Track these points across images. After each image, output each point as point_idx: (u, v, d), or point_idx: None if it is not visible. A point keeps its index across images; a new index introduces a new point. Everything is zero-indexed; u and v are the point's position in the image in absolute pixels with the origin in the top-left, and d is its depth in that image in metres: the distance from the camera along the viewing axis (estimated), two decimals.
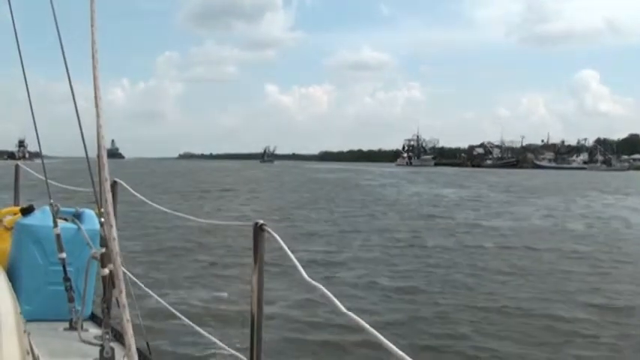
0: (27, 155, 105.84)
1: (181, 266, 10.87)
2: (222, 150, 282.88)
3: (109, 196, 1.42)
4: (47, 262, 3.45)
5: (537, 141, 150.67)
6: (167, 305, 3.72)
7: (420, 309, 8.25)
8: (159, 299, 3.72)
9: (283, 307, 7.86)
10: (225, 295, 8.66)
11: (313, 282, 2.01)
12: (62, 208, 3.53)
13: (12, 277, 3.22)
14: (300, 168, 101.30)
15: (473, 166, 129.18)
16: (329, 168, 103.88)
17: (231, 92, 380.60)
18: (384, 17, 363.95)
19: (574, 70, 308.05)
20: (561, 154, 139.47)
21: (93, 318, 3.57)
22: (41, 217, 3.50)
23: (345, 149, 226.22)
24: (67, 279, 3.26)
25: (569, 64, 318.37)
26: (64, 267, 3.27)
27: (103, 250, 2.47)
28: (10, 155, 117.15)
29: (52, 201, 3.36)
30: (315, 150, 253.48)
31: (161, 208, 3.84)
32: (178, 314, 3.64)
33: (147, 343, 3.35)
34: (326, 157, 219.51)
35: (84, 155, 2.12)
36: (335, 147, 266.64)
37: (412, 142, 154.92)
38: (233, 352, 2.85)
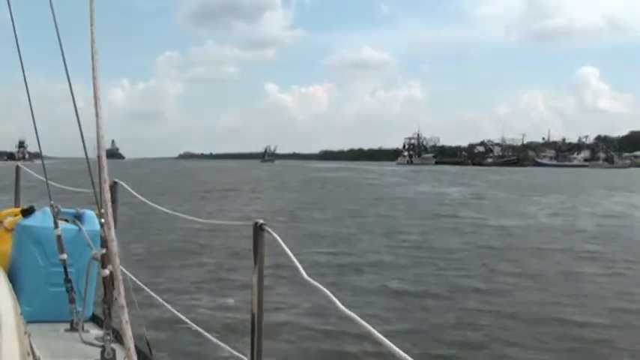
0: (27, 156, 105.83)
1: (182, 267, 10.87)
2: (223, 150, 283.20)
3: (108, 196, 1.42)
4: (48, 263, 3.45)
5: (538, 139, 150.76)
6: (168, 306, 3.72)
7: (431, 314, 8.00)
8: (160, 300, 3.72)
9: (284, 307, 7.86)
10: (225, 294, 8.67)
11: (313, 281, 2.01)
12: (63, 209, 3.53)
13: (13, 278, 3.23)
14: (301, 167, 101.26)
15: (474, 164, 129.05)
16: (330, 167, 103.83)
17: (231, 92, 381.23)
18: (384, 16, 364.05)
19: (574, 67, 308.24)
20: (562, 151, 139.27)
21: (94, 319, 3.57)
22: (42, 219, 3.51)
23: (346, 148, 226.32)
24: (67, 280, 3.26)
25: (569, 61, 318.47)
26: (64, 268, 3.27)
27: (104, 250, 2.47)
28: (10, 156, 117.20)
29: (52, 202, 3.36)
30: (315, 149, 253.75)
31: (161, 208, 3.84)
32: (179, 315, 3.65)
33: (148, 344, 3.35)
34: (326, 156, 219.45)
35: (82, 156, 2.12)
36: (335, 146, 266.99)
37: (413, 141, 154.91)
38: (234, 352, 2.85)
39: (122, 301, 1.39)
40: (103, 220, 1.84)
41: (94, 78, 1.46)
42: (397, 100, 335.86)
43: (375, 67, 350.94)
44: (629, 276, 10.81)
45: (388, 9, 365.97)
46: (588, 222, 19.79)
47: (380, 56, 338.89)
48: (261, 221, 2.37)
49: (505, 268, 11.29)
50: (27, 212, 3.61)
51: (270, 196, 30.98)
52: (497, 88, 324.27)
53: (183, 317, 3.59)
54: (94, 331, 3.30)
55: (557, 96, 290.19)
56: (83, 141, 2.09)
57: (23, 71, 2.80)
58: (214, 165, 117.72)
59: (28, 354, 1.64)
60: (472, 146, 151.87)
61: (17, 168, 5.47)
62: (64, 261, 3.28)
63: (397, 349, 1.58)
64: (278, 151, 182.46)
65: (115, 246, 1.43)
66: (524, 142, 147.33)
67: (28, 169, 5.43)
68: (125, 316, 1.37)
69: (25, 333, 1.76)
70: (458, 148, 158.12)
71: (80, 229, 3.47)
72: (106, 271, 2.46)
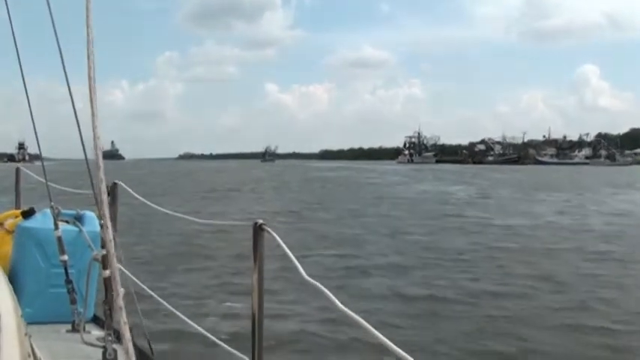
0: (27, 158, 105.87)
1: (184, 268, 10.87)
2: (223, 150, 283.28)
3: (105, 197, 1.42)
4: (49, 265, 3.46)
5: (538, 137, 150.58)
6: (169, 307, 3.72)
7: (445, 321, 7.66)
8: (161, 300, 3.73)
9: (284, 306, 7.86)
10: (226, 295, 8.67)
11: (313, 281, 2.01)
12: (63, 211, 3.53)
13: (14, 280, 3.23)
14: (301, 167, 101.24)
15: (474, 162, 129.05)
16: (330, 166, 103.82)
17: (231, 92, 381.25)
18: (384, 15, 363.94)
19: (574, 65, 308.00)
20: (563, 149, 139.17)
21: (95, 320, 3.58)
22: (42, 220, 3.51)
23: (346, 147, 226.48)
24: (68, 281, 3.27)
25: (569, 60, 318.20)
26: (65, 269, 3.28)
27: (104, 251, 2.47)
28: (10, 158, 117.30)
29: (52, 203, 3.37)
30: (315, 148, 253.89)
31: (161, 209, 3.84)
32: (181, 315, 3.65)
33: (149, 344, 3.35)
34: (326, 155, 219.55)
35: (80, 157, 2.12)
36: (335, 145, 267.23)
37: (413, 139, 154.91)
38: (235, 352, 2.85)
39: (120, 302, 1.39)
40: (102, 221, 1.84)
41: (90, 79, 1.47)
42: (397, 99, 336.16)
43: (375, 66, 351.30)
44: None
45: (388, 8, 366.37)
46: (597, 220, 19.39)
47: (380, 55, 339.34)
48: (260, 221, 2.37)
49: (517, 270, 10.90)
50: (27, 214, 3.62)
51: (272, 197, 30.78)
52: (497, 86, 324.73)
53: (184, 318, 3.59)
54: (96, 332, 3.31)
55: (557, 94, 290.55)
56: (82, 142, 2.09)
57: (22, 72, 2.80)
58: (215, 165, 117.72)
59: (29, 355, 1.64)
60: (473, 145, 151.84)
61: (17, 170, 5.48)
62: (64, 262, 3.28)
63: (397, 349, 1.58)
64: (278, 151, 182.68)
65: (112, 247, 1.43)
66: (525, 140, 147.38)
67: (28, 171, 5.44)
68: (123, 317, 1.37)
69: (26, 334, 1.76)
70: (458, 147, 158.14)
71: (81, 231, 3.48)
72: (107, 272, 2.45)
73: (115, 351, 2.77)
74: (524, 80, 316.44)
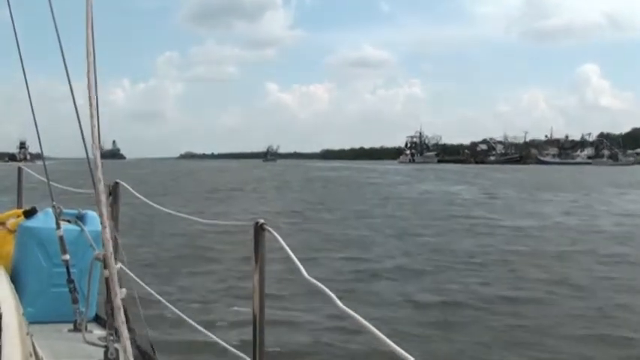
0: (28, 157, 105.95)
1: (186, 268, 10.88)
2: (224, 149, 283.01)
3: (103, 197, 1.42)
4: (51, 264, 3.47)
5: (540, 136, 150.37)
6: (171, 306, 3.72)
7: (461, 330, 7.28)
8: (163, 300, 3.73)
9: (285, 306, 7.86)
10: (228, 294, 8.68)
11: (313, 280, 2.01)
12: (65, 210, 3.54)
13: (16, 279, 3.24)
14: (303, 167, 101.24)
15: (476, 162, 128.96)
16: (332, 166, 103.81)
17: (231, 92, 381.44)
18: (384, 14, 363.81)
19: (575, 64, 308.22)
20: (565, 149, 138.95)
21: (97, 319, 3.58)
22: (44, 220, 3.52)
23: (347, 147, 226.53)
24: (70, 280, 3.27)
25: (569, 59, 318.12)
26: (67, 268, 3.28)
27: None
28: (12, 157, 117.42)
29: (54, 203, 3.37)
30: (316, 148, 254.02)
31: (162, 208, 3.84)
32: (182, 315, 3.65)
33: (151, 344, 3.35)
34: (328, 155, 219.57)
35: (80, 156, 2.12)
36: (336, 145, 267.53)
37: (415, 139, 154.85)
38: (236, 351, 2.85)
39: (118, 301, 1.39)
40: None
41: (89, 79, 1.47)
42: (398, 99, 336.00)
43: (376, 65, 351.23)
44: None
45: (388, 8, 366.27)
46: (606, 221, 19.07)
47: (380, 55, 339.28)
48: (261, 221, 2.37)
49: (531, 274, 10.53)
50: (29, 213, 3.63)
51: (276, 197, 30.57)
52: (498, 86, 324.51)
53: (186, 317, 3.59)
54: (98, 332, 3.31)
55: (558, 94, 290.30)
56: (84, 141, 2.09)
57: (24, 71, 2.81)
58: (216, 165, 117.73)
59: (31, 355, 1.64)
60: (474, 144, 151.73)
61: (19, 169, 5.49)
62: (66, 261, 3.29)
63: (399, 349, 1.58)
64: (279, 151, 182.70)
65: (110, 246, 1.43)
66: (527, 139, 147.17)
67: (30, 171, 5.44)
68: (121, 317, 1.37)
69: (28, 334, 1.76)
70: (460, 147, 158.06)
71: (82, 230, 3.48)
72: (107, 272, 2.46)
73: (116, 350, 2.77)
74: (524, 80, 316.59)
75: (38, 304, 3.34)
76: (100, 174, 1.45)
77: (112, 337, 2.81)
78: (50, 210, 3.43)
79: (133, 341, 2.59)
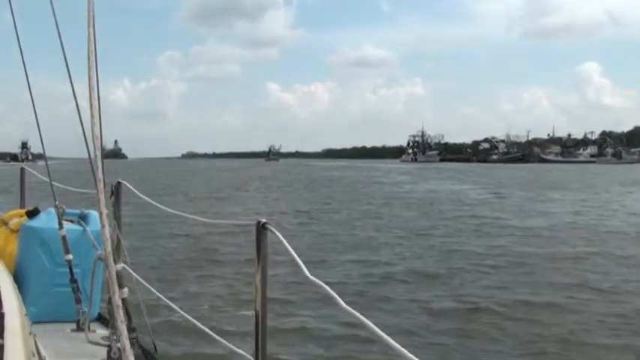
0: (30, 157, 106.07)
1: (189, 268, 10.89)
2: (225, 149, 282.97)
3: (103, 196, 1.42)
4: (54, 264, 3.48)
5: (542, 135, 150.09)
6: (173, 305, 3.73)
7: (481, 339, 6.87)
8: (165, 299, 3.73)
9: (288, 305, 7.86)
10: (231, 294, 8.68)
11: (316, 280, 2.01)
12: (67, 210, 3.55)
13: (19, 279, 3.25)
14: (305, 166, 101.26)
15: (479, 161, 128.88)
16: (334, 165, 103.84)
17: (232, 91, 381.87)
18: (385, 14, 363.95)
19: (576, 62, 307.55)
20: (568, 147, 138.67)
21: (100, 319, 3.59)
22: (47, 220, 3.53)
23: (348, 146, 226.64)
24: (73, 280, 3.28)
25: (571, 57, 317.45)
26: (70, 268, 3.29)
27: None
28: (13, 157, 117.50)
29: (57, 203, 3.38)
30: (318, 147, 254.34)
31: (165, 208, 3.84)
32: (184, 314, 3.66)
33: (153, 343, 3.36)
34: (329, 154, 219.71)
35: (81, 156, 2.12)
36: (338, 144, 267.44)
37: (417, 138, 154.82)
38: (238, 350, 2.85)
39: (117, 300, 1.39)
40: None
41: (90, 78, 1.47)
42: (399, 98, 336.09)
43: (377, 65, 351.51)
44: None
45: (389, 7, 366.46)
46: (619, 221, 18.69)
47: (381, 54, 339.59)
48: (263, 220, 2.37)
49: (548, 277, 10.06)
50: (32, 213, 3.63)
51: (281, 196, 30.34)
52: (499, 84, 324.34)
53: (188, 316, 3.60)
54: (101, 331, 3.32)
55: (559, 92, 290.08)
56: (86, 141, 2.09)
57: (26, 72, 2.81)
58: (218, 164, 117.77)
59: (34, 354, 1.65)
60: (476, 143, 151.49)
61: (22, 170, 5.50)
62: (69, 261, 3.30)
63: (402, 349, 1.57)
64: (281, 150, 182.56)
65: (109, 245, 1.43)
66: (529, 138, 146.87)
67: (32, 171, 5.46)
68: (120, 316, 1.37)
69: (31, 333, 1.77)
70: (462, 145, 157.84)
71: (85, 230, 3.48)
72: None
73: (119, 350, 2.77)
74: (526, 78, 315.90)
75: (41, 304, 3.35)
76: (100, 174, 1.45)
77: (114, 337, 2.81)
78: (53, 210, 3.44)
79: (136, 340, 2.59)
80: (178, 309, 3.71)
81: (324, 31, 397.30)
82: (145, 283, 3.75)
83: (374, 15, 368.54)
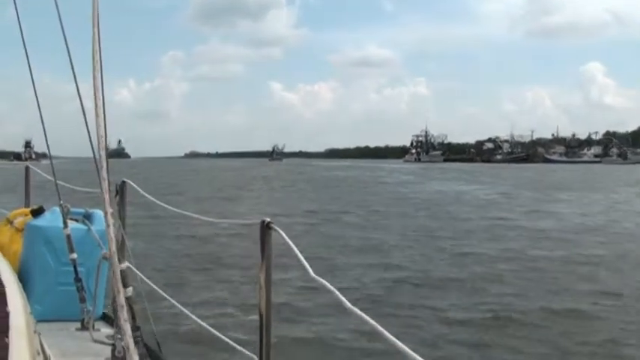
0: (33, 156, 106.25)
1: (195, 267, 10.91)
2: (228, 148, 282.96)
3: (107, 196, 1.43)
4: (58, 263, 3.48)
5: (545, 135, 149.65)
6: (178, 305, 3.73)
7: (503, 348, 6.55)
8: (169, 299, 3.73)
9: (292, 305, 7.86)
10: (234, 293, 8.69)
11: (319, 278, 2.01)
12: (72, 209, 3.55)
13: (24, 277, 3.26)
14: (309, 166, 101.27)
15: (483, 161, 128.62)
16: (338, 165, 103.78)
17: (236, 91, 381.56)
18: (388, 13, 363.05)
19: (579, 62, 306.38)
20: (572, 147, 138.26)
21: (104, 318, 3.59)
22: (51, 218, 3.54)
23: (352, 146, 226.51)
24: (78, 279, 3.29)
25: (574, 57, 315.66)
26: (75, 267, 3.30)
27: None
28: (17, 156, 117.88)
29: (62, 202, 3.38)
30: (321, 147, 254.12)
31: (170, 207, 3.84)
32: (189, 313, 3.66)
33: (157, 341, 3.36)
34: (333, 154, 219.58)
35: (85, 155, 2.12)
36: (341, 144, 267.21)
37: (420, 138, 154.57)
38: (242, 349, 2.85)
39: (122, 299, 1.39)
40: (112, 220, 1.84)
41: (95, 78, 1.47)
42: (402, 98, 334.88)
43: (380, 64, 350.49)
44: None
45: (392, 6, 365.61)
46: (634, 224, 18.15)
47: (384, 54, 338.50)
48: (268, 219, 2.37)
49: (570, 283, 9.65)
50: (37, 212, 3.64)
51: (287, 196, 30.11)
52: (502, 84, 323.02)
53: (193, 316, 3.60)
54: (105, 330, 3.32)
55: (562, 92, 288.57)
56: (90, 140, 2.09)
57: (30, 72, 2.82)
58: (222, 164, 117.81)
59: (38, 353, 1.65)
60: (480, 143, 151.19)
61: (27, 168, 5.52)
62: (74, 260, 3.30)
63: (407, 349, 1.57)
64: (284, 150, 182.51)
65: (114, 244, 1.43)
66: (533, 138, 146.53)
67: (37, 170, 5.47)
68: (124, 315, 1.37)
69: (35, 332, 1.77)
70: (465, 145, 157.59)
71: (89, 229, 3.49)
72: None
73: (124, 349, 2.78)
74: (529, 78, 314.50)
75: (46, 303, 3.36)
76: (105, 173, 1.45)
77: (119, 336, 2.82)
78: (57, 209, 3.45)
79: (140, 339, 2.59)
80: (183, 308, 3.71)
81: (327, 30, 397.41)
82: (149, 283, 3.76)
83: (377, 14, 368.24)
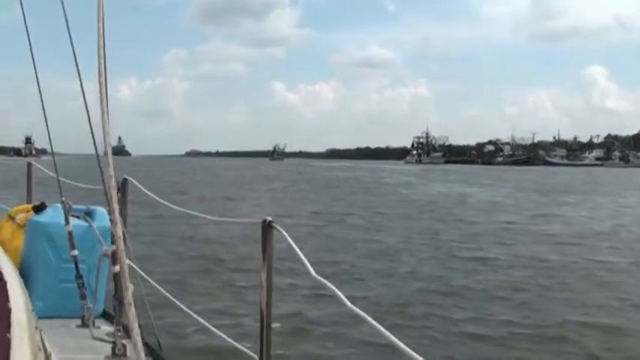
0: (34, 152, 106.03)
1: (196, 266, 10.91)
2: (229, 148, 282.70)
3: (114, 193, 1.43)
4: (59, 260, 3.49)
5: (546, 137, 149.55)
6: (178, 303, 3.74)
7: None
8: (170, 297, 3.74)
9: (293, 304, 7.86)
10: (235, 293, 8.70)
11: (321, 279, 2.01)
12: (74, 206, 3.56)
13: (25, 274, 3.26)
14: (310, 166, 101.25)
15: (484, 163, 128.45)
16: (339, 166, 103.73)
17: (237, 90, 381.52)
18: (391, 14, 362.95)
19: (582, 66, 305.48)
20: (573, 150, 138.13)
21: (105, 315, 3.60)
22: (53, 215, 3.54)
23: (352, 146, 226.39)
24: (79, 276, 3.29)
25: (576, 61, 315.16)
26: (76, 264, 3.30)
27: (114, 247, 2.49)
28: (17, 152, 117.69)
29: (63, 198, 3.39)
30: (322, 147, 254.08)
31: (172, 205, 3.85)
32: (189, 311, 3.67)
33: (157, 340, 3.37)
34: (333, 154, 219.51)
35: (87, 152, 2.13)
36: (342, 144, 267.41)
37: (421, 139, 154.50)
38: (243, 349, 2.86)
39: (129, 297, 1.39)
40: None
41: (99, 75, 1.47)
42: (404, 99, 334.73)
43: (382, 65, 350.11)
44: None
45: (394, 7, 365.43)
46: None
47: (386, 55, 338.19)
48: (269, 219, 2.38)
49: (597, 294, 9.07)
50: (38, 209, 3.65)
51: (290, 197, 29.91)
52: (504, 86, 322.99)
53: (193, 314, 3.61)
54: (105, 327, 3.33)
55: (564, 95, 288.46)
56: (93, 138, 2.10)
57: (35, 69, 2.83)
58: (222, 163, 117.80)
59: (40, 349, 1.65)
60: (481, 145, 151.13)
61: (29, 165, 5.52)
62: (75, 257, 3.31)
63: (407, 349, 1.57)
64: (285, 150, 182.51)
65: (121, 242, 1.43)
66: (535, 140, 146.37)
67: (40, 166, 5.47)
68: (132, 312, 1.37)
69: (36, 328, 1.77)
70: (466, 147, 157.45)
71: (91, 226, 3.50)
72: (117, 268, 2.48)
73: (124, 346, 2.79)
74: (531, 80, 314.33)
75: (47, 299, 3.37)
76: (111, 171, 1.46)
77: (119, 333, 2.83)
78: (59, 205, 3.45)
79: (141, 337, 2.60)
80: (183, 306, 3.72)
81: (330, 30, 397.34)
82: (150, 280, 3.76)
83: (379, 15, 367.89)
